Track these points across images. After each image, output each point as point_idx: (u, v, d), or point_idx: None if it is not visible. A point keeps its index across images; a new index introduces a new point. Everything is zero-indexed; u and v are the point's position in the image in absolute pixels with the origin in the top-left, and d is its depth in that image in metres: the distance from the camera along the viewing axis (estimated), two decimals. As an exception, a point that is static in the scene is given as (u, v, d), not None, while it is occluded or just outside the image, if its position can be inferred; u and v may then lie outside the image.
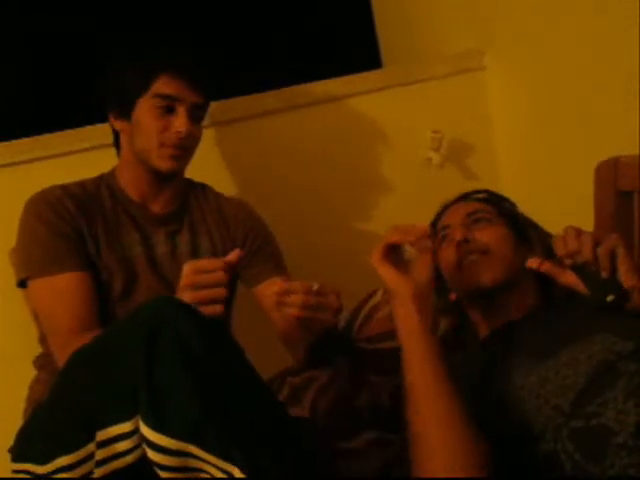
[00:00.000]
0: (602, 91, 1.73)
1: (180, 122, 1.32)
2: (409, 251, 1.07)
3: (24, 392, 1.43)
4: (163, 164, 1.35)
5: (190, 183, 1.52)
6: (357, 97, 1.99)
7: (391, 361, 1.34)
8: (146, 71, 1.33)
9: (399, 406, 1.22)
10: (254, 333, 1.52)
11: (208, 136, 1.73)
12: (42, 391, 1.34)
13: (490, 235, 1.20)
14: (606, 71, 1.69)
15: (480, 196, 1.32)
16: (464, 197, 1.32)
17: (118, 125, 1.39)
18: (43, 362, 1.41)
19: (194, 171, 1.51)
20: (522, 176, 2.07)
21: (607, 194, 1.48)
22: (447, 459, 0.85)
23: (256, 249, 1.49)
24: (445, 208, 1.32)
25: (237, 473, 0.80)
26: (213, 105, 1.57)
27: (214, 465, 0.82)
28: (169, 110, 1.33)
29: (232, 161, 1.83)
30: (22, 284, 1.34)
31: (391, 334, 1.40)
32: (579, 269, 1.04)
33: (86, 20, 2.14)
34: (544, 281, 1.24)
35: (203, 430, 0.82)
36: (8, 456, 0.98)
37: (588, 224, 1.55)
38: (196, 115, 1.37)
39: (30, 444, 0.90)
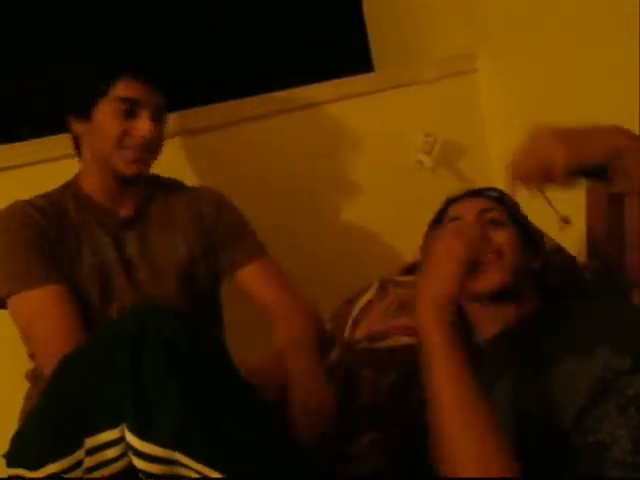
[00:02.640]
0: (594, 93, 1.73)
1: (144, 126, 1.31)
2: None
3: (20, 401, 1.40)
4: (128, 169, 1.33)
5: (158, 181, 1.49)
6: (349, 100, 1.99)
7: (389, 360, 1.34)
8: (106, 73, 1.32)
9: (396, 405, 1.22)
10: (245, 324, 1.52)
11: (199, 141, 1.73)
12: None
13: (505, 238, 1.19)
14: (599, 73, 1.69)
15: (493, 194, 1.29)
16: (476, 192, 1.30)
17: (78, 127, 1.36)
18: (36, 374, 1.38)
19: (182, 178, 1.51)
20: (515, 178, 2.07)
21: (599, 196, 1.48)
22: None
23: (233, 232, 1.47)
24: (453, 200, 1.30)
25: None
26: (201, 110, 1.57)
27: (200, 473, 0.81)
28: (131, 114, 1.31)
29: (221, 166, 1.83)
30: (2, 305, 1.30)
31: (388, 333, 1.40)
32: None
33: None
34: (541, 282, 1.24)
35: (189, 437, 0.82)
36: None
37: (580, 226, 1.55)
38: (159, 115, 1.36)
39: (22, 450, 0.91)
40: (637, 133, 1.54)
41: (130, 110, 1.31)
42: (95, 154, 1.36)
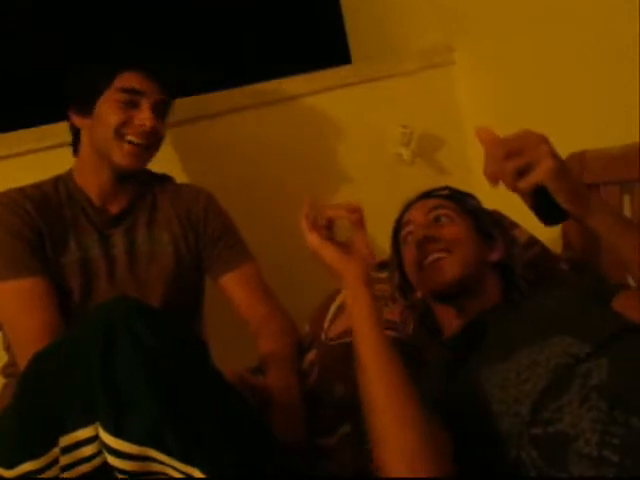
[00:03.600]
0: (569, 86, 1.74)
1: (144, 116, 1.32)
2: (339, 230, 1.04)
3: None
4: (124, 160, 1.33)
5: (149, 176, 1.49)
6: (326, 93, 1.99)
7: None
8: (110, 67, 1.33)
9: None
10: (227, 326, 1.51)
11: (174, 134, 1.71)
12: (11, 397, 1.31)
13: (452, 233, 1.20)
14: (574, 66, 1.71)
15: (442, 193, 1.32)
16: (426, 195, 1.32)
17: (78, 122, 1.38)
18: (11, 371, 1.37)
19: (162, 170, 1.50)
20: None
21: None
22: (407, 453, 0.85)
23: (219, 235, 1.47)
24: (408, 206, 1.32)
25: (198, 474, 0.80)
26: (179, 102, 1.55)
27: (175, 468, 0.81)
28: (132, 105, 1.32)
29: (199, 159, 1.82)
30: None
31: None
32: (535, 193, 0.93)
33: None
34: (506, 276, 1.25)
35: (163, 433, 0.81)
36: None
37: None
38: (160, 111, 1.37)
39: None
40: (603, 127, 1.57)
41: (131, 101, 1.32)
42: (95, 146, 1.36)
